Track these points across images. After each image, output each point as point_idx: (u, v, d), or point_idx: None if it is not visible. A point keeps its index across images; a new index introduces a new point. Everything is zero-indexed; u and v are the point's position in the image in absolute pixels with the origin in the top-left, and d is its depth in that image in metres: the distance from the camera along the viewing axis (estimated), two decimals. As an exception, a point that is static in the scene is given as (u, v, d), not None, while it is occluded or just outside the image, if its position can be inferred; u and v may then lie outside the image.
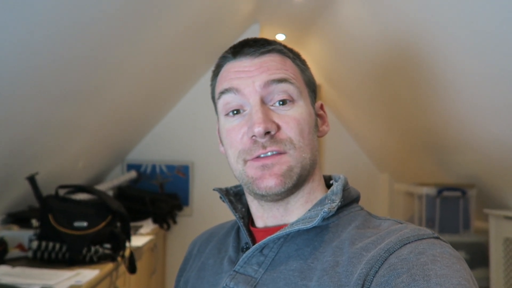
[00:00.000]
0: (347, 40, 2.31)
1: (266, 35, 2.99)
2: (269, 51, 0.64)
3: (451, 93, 1.71)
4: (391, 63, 2.01)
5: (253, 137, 0.61)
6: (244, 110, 0.63)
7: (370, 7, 1.90)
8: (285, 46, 0.68)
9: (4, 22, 1.03)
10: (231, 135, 0.64)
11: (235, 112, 0.64)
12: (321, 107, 0.72)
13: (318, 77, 3.16)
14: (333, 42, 2.55)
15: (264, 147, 0.60)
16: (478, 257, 2.10)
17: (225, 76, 0.65)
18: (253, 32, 2.78)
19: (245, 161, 0.62)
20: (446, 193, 2.13)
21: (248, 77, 0.62)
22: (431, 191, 2.15)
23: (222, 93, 0.64)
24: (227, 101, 0.64)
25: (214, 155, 2.80)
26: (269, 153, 0.60)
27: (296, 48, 0.72)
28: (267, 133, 0.60)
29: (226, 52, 0.67)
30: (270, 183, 0.60)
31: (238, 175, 0.64)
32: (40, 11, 1.09)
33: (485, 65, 1.43)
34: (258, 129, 0.58)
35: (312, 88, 0.69)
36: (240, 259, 0.62)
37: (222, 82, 0.65)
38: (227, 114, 0.65)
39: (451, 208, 2.14)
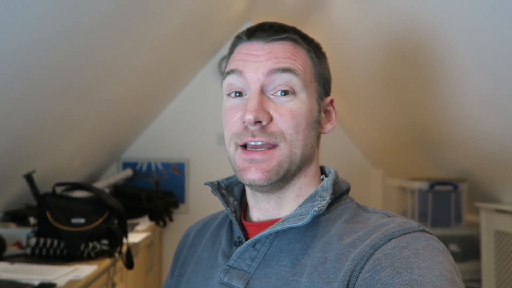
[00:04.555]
0: (340, 36, 2.34)
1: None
2: (281, 39, 0.64)
3: (444, 88, 1.74)
4: (384, 60, 2.03)
5: (245, 123, 0.61)
6: (245, 94, 0.64)
7: (362, 4, 1.92)
8: (303, 36, 0.67)
9: None
10: (228, 116, 0.65)
11: (237, 94, 0.64)
12: (331, 102, 0.71)
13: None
14: (325, 39, 2.56)
15: (253, 135, 0.61)
16: (469, 250, 2.14)
17: (234, 57, 0.66)
18: (247, 31, 2.80)
19: (236, 145, 0.63)
20: (438, 188, 2.16)
21: (254, 61, 0.62)
22: (423, 185, 2.18)
23: (228, 73, 0.65)
24: (230, 82, 0.64)
25: (209, 153, 2.83)
26: (259, 143, 0.61)
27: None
28: (259, 122, 0.60)
29: (242, 32, 0.67)
30: (254, 176, 0.61)
31: (229, 157, 0.65)
32: (34, 12, 1.10)
33: (479, 61, 1.45)
34: (248, 117, 0.59)
35: (322, 83, 0.67)
36: (234, 254, 0.63)
37: (231, 62, 0.66)
38: (229, 94, 0.65)
39: (443, 202, 2.17)
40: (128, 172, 2.71)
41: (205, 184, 0.73)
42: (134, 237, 1.96)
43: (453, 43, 1.50)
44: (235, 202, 0.73)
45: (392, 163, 3.01)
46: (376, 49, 2.04)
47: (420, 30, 1.62)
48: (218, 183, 0.74)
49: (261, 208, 0.67)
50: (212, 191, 0.71)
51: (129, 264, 1.66)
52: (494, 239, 1.93)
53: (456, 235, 2.15)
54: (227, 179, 0.76)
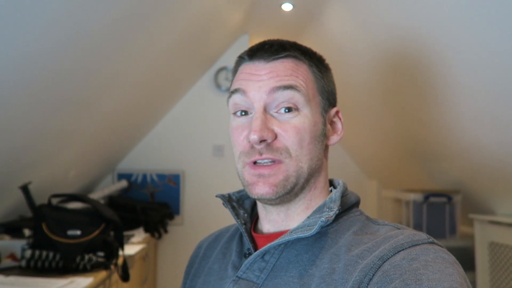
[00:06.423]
0: (336, 50, 2.37)
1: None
2: (282, 57, 0.65)
3: (439, 102, 1.76)
4: (379, 74, 2.06)
5: (250, 142, 0.63)
6: (250, 112, 0.65)
7: (357, 17, 1.95)
8: (304, 51, 0.68)
9: (1, 34, 1.05)
10: (235, 135, 0.66)
11: (243, 113, 0.66)
12: (337, 113, 0.72)
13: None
14: (321, 53, 2.60)
15: (260, 153, 0.62)
16: (464, 261, 2.13)
17: (238, 77, 0.68)
18: (242, 43, 2.83)
19: (244, 163, 0.65)
20: (432, 199, 2.18)
21: (257, 81, 0.64)
22: (418, 197, 2.19)
23: (232, 92, 0.66)
24: (235, 101, 0.66)
25: (205, 164, 2.83)
26: (265, 160, 0.62)
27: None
28: (264, 141, 0.62)
29: (244, 52, 0.69)
30: (262, 190, 0.62)
31: (238, 173, 0.67)
32: (36, 24, 1.11)
33: (474, 76, 1.47)
34: (253, 137, 0.61)
35: (325, 96, 0.69)
36: (243, 265, 0.64)
37: (235, 82, 0.68)
38: (234, 113, 0.67)
39: (438, 214, 2.19)
40: (123, 183, 2.70)
41: (216, 196, 0.74)
42: (129, 249, 1.95)
43: (448, 58, 1.53)
44: (246, 215, 0.74)
45: (387, 175, 3.03)
46: (370, 62, 2.07)
47: (416, 46, 1.65)
48: (229, 195, 0.75)
49: (271, 220, 0.68)
50: (223, 204, 0.72)
51: (125, 277, 1.65)
52: (489, 250, 1.94)
53: (451, 246, 2.16)
54: (238, 192, 0.77)
